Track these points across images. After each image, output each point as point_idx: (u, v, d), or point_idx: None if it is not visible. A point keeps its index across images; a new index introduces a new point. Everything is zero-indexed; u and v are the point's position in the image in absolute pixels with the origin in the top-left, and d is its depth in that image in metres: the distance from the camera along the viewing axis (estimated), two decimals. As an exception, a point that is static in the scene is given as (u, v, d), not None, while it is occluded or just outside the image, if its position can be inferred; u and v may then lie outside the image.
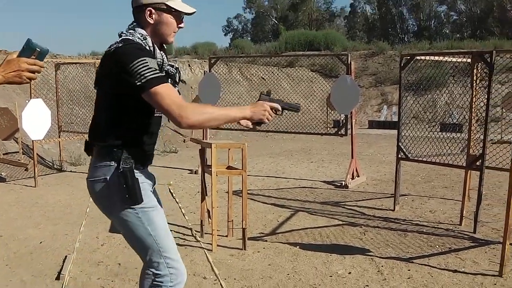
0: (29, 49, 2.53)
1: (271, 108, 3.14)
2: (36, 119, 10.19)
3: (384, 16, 62.75)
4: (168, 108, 2.82)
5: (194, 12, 3.18)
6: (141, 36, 3.00)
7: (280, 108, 3.20)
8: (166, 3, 3.04)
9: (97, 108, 3.10)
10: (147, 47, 2.98)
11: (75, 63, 13.97)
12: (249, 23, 70.53)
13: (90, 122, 3.17)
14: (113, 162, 2.98)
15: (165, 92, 2.83)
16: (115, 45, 2.91)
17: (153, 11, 3.03)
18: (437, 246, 6.26)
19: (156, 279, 3.07)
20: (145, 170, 3.17)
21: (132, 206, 2.98)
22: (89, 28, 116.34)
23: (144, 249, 3.07)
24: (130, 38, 2.96)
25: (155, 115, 3.06)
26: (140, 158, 3.09)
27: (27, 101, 10.62)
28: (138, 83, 2.78)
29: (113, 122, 3.00)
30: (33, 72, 2.54)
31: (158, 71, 2.85)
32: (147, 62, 2.81)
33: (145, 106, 2.93)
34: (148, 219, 3.03)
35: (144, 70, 2.78)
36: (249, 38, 62.95)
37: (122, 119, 2.98)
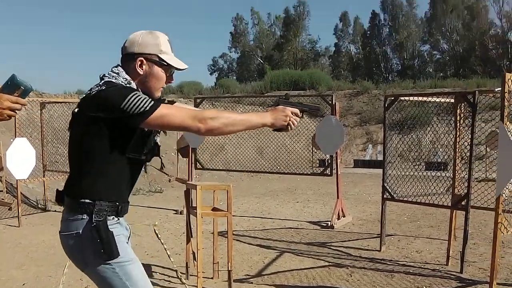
0: (13, 86, 2.48)
1: (291, 113, 3.06)
2: (20, 158, 10.13)
3: (368, 55, 63.46)
4: (183, 124, 2.79)
5: (186, 68, 3.10)
6: (125, 80, 2.90)
7: (299, 113, 3.12)
8: (159, 55, 2.96)
9: (69, 155, 3.00)
10: None
11: (61, 102, 13.96)
12: (234, 62, 71.07)
13: None
14: (85, 215, 2.82)
15: (171, 110, 2.80)
16: (97, 88, 2.80)
17: (144, 61, 2.94)
18: (424, 287, 6.23)
19: None
20: (120, 221, 2.97)
21: (108, 261, 2.81)
22: (75, 66, 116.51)
23: None
24: (113, 81, 2.85)
25: (129, 155, 2.88)
26: (114, 208, 2.91)
27: (11, 140, 10.58)
28: (139, 112, 2.69)
29: (84, 170, 2.88)
30: (13, 110, 2.49)
31: (151, 99, 2.78)
32: (139, 95, 2.74)
33: (118, 149, 2.83)
34: (125, 274, 2.86)
35: (141, 102, 2.71)
36: (234, 77, 63.32)
37: (94, 165, 2.85)
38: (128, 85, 2.88)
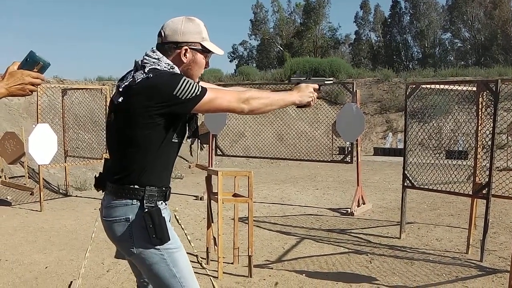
0: (32, 62, 2.54)
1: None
2: (42, 143, 10.21)
3: (388, 43, 63.01)
4: (229, 107, 2.90)
5: (223, 54, 3.18)
6: (168, 65, 2.91)
7: (318, 87, 3.26)
8: (202, 43, 3.01)
9: (114, 143, 2.98)
10: None
11: (82, 88, 14.03)
12: (254, 49, 70.79)
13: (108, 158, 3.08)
14: (135, 201, 2.87)
15: (217, 93, 2.90)
16: (142, 76, 2.80)
17: (188, 50, 2.98)
18: (444, 275, 6.22)
19: None
20: (166, 206, 3.07)
21: (157, 247, 2.86)
22: (94, 53, 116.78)
23: None
24: (157, 67, 2.86)
25: (174, 140, 2.96)
26: (163, 193, 2.99)
27: (33, 126, 10.66)
28: (191, 97, 2.76)
29: (131, 158, 2.89)
30: (34, 84, 2.55)
31: (197, 83, 2.87)
32: (188, 80, 2.81)
33: (167, 135, 2.89)
34: (173, 260, 2.91)
35: (192, 87, 2.77)
36: (254, 65, 63.10)
37: (142, 153, 2.87)
38: (171, 70, 2.91)
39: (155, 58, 2.91)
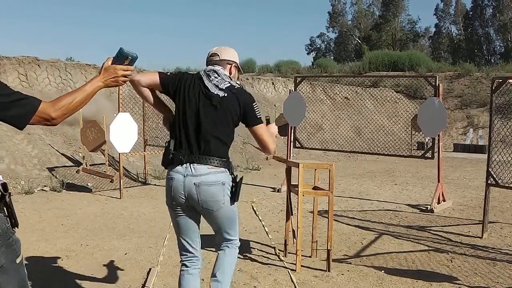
0: (122, 57, 2.97)
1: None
2: (123, 132, 10.36)
3: (470, 37, 61.52)
4: (267, 140, 4.09)
5: None
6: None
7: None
8: None
9: (220, 125, 3.95)
10: None
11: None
12: (332, 42, 70.36)
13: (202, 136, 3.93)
14: (227, 169, 3.95)
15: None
16: (236, 85, 4.08)
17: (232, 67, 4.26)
18: (529, 278, 6.01)
19: (237, 246, 4.41)
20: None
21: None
22: (172, 44, 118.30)
23: (236, 230, 4.35)
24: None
25: None
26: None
27: (115, 115, 10.82)
28: (259, 117, 4.01)
29: (228, 137, 4.00)
30: (126, 76, 3.04)
31: None
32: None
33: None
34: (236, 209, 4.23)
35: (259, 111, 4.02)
36: (331, 57, 62.75)
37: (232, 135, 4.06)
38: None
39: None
